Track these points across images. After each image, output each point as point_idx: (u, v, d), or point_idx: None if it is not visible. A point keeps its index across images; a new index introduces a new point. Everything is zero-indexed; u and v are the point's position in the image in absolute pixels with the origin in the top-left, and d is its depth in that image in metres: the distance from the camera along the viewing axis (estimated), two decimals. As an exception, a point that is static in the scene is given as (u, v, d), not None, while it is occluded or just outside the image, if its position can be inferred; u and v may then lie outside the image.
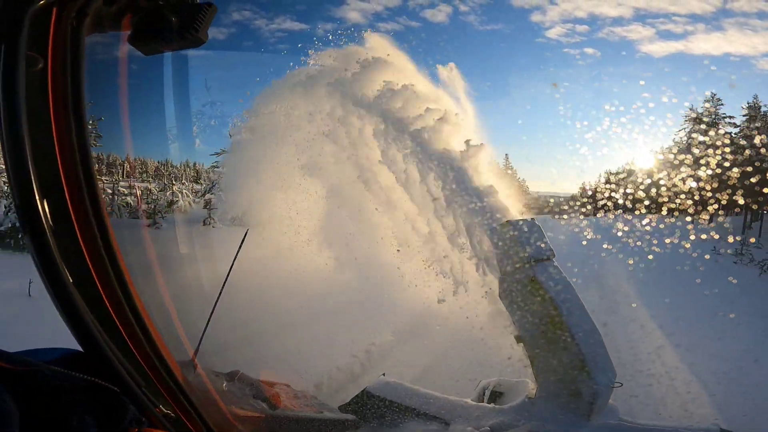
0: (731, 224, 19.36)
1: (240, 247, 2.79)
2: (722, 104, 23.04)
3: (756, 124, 20.79)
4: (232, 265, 2.71)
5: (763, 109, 21.37)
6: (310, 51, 8.98)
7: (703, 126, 22.31)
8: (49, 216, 0.90)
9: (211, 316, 2.49)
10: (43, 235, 0.87)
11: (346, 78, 7.08)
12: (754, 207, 20.04)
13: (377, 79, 6.77)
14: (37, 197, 0.87)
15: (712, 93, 22.92)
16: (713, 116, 23.03)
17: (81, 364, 0.97)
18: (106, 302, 1.03)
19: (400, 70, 7.23)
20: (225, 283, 2.65)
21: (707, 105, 23.11)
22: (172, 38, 1.18)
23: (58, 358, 0.99)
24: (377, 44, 8.46)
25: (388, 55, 7.57)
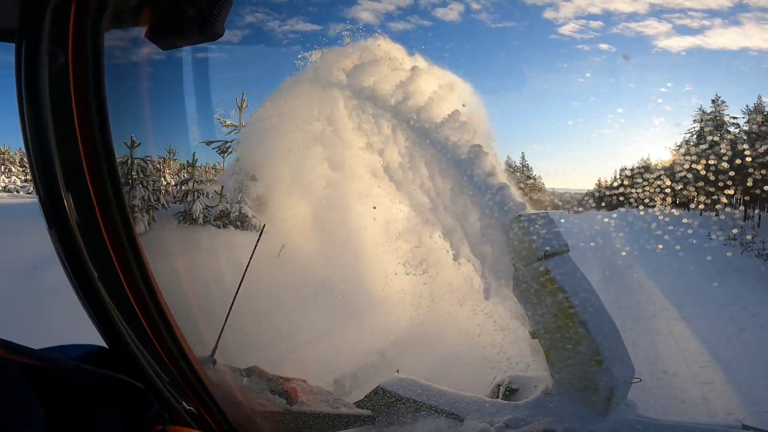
0: (731, 218, 20.31)
1: (258, 240, 2.79)
2: (726, 106, 23.47)
3: (755, 126, 21.19)
4: (250, 259, 2.71)
5: (767, 110, 21.65)
6: (317, 50, 9.08)
7: (709, 127, 22.73)
8: (74, 210, 0.89)
9: (229, 311, 2.49)
10: (68, 229, 0.87)
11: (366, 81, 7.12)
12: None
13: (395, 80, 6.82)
14: (62, 191, 0.87)
15: (717, 95, 23.85)
16: (717, 117, 23.43)
17: (106, 361, 0.97)
18: (131, 298, 1.03)
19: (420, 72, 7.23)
20: (243, 278, 2.65)
21: (713, 106, 23.60)
22: (189, 32, 1.17)
23: (84, 355, 0.99)
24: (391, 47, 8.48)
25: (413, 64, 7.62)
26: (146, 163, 11.55)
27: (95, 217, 0.95)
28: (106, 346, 1.01)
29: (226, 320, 2.41)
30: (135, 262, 1.01)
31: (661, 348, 8.30)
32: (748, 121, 21.86)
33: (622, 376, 3.84)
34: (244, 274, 2.67)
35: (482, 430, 3.70)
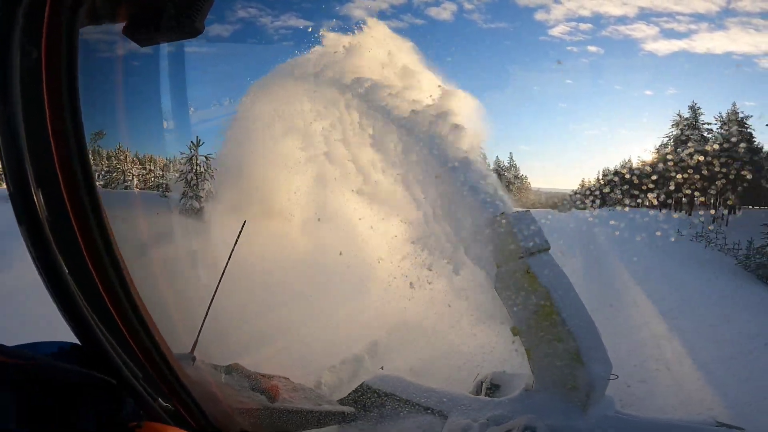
0: (705, 218, 22.22)
1: (238, 237, 2.77)
2: (702, 113, 24.63)
3: (728, 131, 22.61)
4: (230, 255, 2.69)
5: (740, 116, 23.06)
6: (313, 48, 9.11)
7: (685, 132, 23.94)
8: (44, 206, 0.89)
9: (209, 307, 2.48)
10: (38, 225, 0.86)
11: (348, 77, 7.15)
12: (728, 202, 22.79)
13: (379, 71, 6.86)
14: (32, 187, 0.86)
15: (694, 101, 25.21)
16: (693, 124, 24.53)
17: (79, 358, 0.97)
18: (103, 293, 1.02)
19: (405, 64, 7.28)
20: (223, 274, 2.63)
21: (690, 112, 24.76)
22: (168, 28, 1.16)
23: (57, 352, 0.98)
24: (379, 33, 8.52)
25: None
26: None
27: (66, 213, 0.95)
28: (79, 343, 1.00)
29: (205, 317, 2.39)
30: (108, 257, 1.01)
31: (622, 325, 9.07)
32: (720, 127, 23.06)
33: (601, 372, 3.92)
34: (225, 269, 2.65)
35: (466, 426, 3.74)
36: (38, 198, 0.87)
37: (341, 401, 4.03)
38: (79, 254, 0.97)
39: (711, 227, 20.63)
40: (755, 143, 22.85)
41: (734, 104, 24.13)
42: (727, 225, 21.57)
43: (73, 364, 0.92)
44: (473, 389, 4.85)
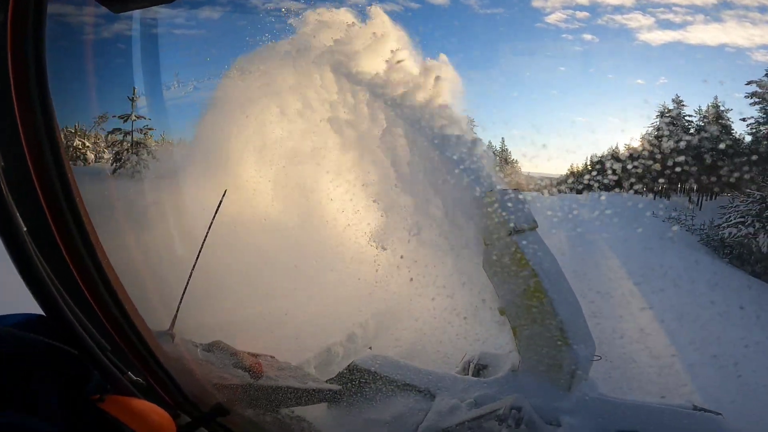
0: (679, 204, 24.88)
1: (217, 209, 2.69)
2: (685, 105, 25.61)
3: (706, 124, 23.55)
4: (210, 226, 2.61)
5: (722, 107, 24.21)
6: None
7: (667, 123, 24.96)
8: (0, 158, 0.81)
9: (187, 284, 2.41)
10: None
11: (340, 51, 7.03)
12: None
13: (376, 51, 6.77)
14: None
15: (677, 95, 26.10)
16: (676, 116, 25.33)
17: (44, 329, 0.91)
18: (66, 257, 0.96)
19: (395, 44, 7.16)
20: (202, 247, 2.56)
21: (674, 104, 25.55)
22: None
23: (20, 323, 0.92)
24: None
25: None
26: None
27: (25, 163, 0.87)
28: (43, 314, 0.94)
29: (183, 293, 2.33)
30: (73, 219, 0.94)
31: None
32: (699, 120, 23.94)
33: (585, 353, 3.95)
34: (203, 244, 2.57)
35: (453, 406, 3.76)
36: None
37: (329, 381, 4.03)
38: (40, 212, 0.90)
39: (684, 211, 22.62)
40: (733, 134, 23.69)
41: (716, 98, 24.85)
42: (700, 209, 23.62)
43: (39, 336, 0.86)
44: (460, 369, 4.88)
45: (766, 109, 21.58)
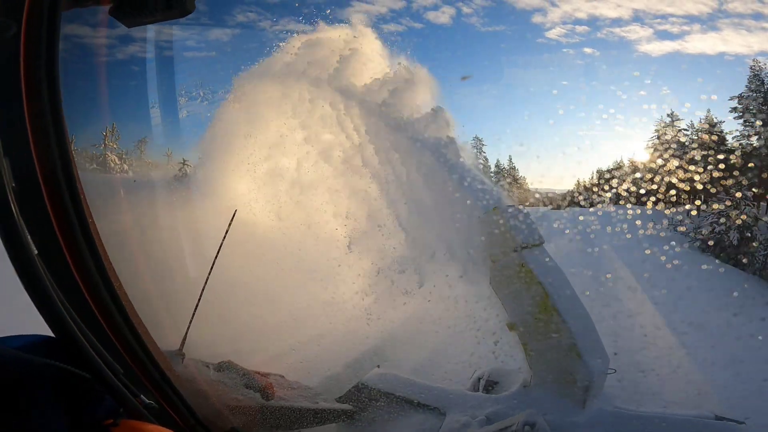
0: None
1: (228, 228, 2.68)
2: (681, 119, 26.04)
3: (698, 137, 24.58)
4: (220, 247, 2.61)
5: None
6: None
7: (667, 134, 25.51)
8: (11, 176, 0.80)
9: (198, 302, 2.39)
10: (3, 198, 0.78)
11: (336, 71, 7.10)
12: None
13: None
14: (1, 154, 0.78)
15: (671, 110, 26.73)
16: (672, 130, 25.93)
17: (53, 351, 0.89)
18: (78, 279, 0.95)
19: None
20: (213, 266, 2.55)
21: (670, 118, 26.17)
22: (156, 8, 1.09)
23: (27, 345, 0.90)
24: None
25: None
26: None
27: (37, 184, 0.86)
28: (54, 336, 0.93)
29: (194, 312, 2.31)
30: (84, 240, 0.93)
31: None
32: (693, 134, 24.40)
33: (598, 367, 3.88)
34: (214, 263, 2.56)
35: (464, 423, 3.70)
36: (5, 166, 0.79)
37: (339, 400, 3.97)
38: (51, 234, 0.89)
39: (680, 218, 22.98)
40: (728, 145, 24.07)
41: (708, 111, 25.53)
42: (698, 215, 23.72)
43: (47, 358, 0.84)
44: (470, 386, 4.80)
45: (749, 122, 22.07)
